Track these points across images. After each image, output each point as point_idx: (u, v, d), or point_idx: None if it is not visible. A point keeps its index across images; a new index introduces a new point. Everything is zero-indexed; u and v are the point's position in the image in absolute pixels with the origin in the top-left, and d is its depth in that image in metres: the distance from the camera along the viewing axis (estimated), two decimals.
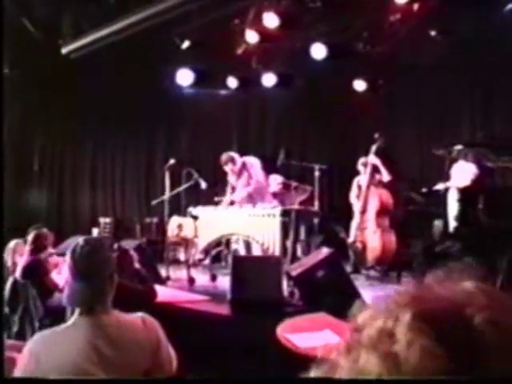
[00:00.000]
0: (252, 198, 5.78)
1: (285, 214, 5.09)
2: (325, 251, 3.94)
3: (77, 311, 1.79)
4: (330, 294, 3.54)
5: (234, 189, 6.06)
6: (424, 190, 4.29)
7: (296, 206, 5.57)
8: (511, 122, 6.29)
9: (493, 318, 0.50)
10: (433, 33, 6.30)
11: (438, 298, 0.53)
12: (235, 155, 6.01)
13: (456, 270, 0.58)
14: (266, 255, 4.91)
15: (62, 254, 2.98)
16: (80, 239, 1.92)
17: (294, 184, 6.10)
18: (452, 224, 3.48)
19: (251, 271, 4.00)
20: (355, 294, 3.63)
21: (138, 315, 1.87)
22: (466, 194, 3.60)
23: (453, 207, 3.47)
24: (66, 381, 1.72)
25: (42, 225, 3.97)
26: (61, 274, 3.99)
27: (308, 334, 2.68)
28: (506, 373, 0.48)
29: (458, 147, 3.80)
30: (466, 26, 5.97)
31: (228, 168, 5.92)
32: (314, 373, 0.56)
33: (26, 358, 1.72)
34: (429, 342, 0.49)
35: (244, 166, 5.92)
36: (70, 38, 6.58)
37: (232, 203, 5.91)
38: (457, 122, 6.95)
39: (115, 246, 3.66)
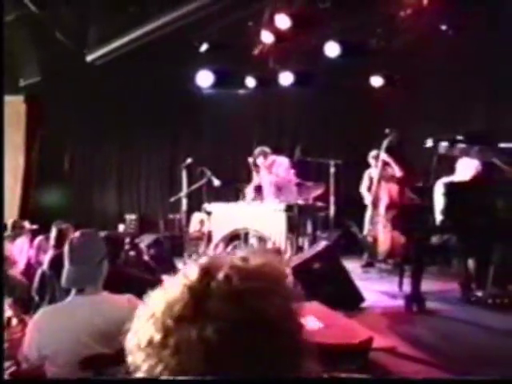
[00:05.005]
0: (280, 193, 6.01)
1: (289, 209, 5.30)
2: (322, 244, 4.13)
3: (73, 291, 2.10)
4: (326, 283, 3.74)
5: (259, 188, 6.29)
6: (419, 184, 4.40)
7: (300, 202, 5.73)
8: None
9: (229, 274, 0.70)
10: (443, 27, 6.36)
11: (220, 260, 0.76)
12: (268, 151, 6.25)
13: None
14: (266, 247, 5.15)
15: None
16: (77, 232, 2.24)
17: (308, 183, 6.27)
18: (440, 218, 3.59)
19: None
20: (350, 284, 3.81)
21: (126, 296, 2.16)
22: (455, 188, 3.71)
23: (439, 201, 3.59)
24: (66, 381, 1.92)
25: (61, 221, 4.32)
26: None
27: None
28: (222, 317, 0.66)
29: (445, 144, 3.90)
30: (475, 21, 5.99)
31: (259, 161, 6.17)
32: None
33: (29, 328, 2.04)
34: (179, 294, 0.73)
35: (273, 163, 6.17)
36: (95, 47, 6.99)
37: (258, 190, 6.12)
38: (469, 116, 6.95)
39: (127, 240, 3.99)
